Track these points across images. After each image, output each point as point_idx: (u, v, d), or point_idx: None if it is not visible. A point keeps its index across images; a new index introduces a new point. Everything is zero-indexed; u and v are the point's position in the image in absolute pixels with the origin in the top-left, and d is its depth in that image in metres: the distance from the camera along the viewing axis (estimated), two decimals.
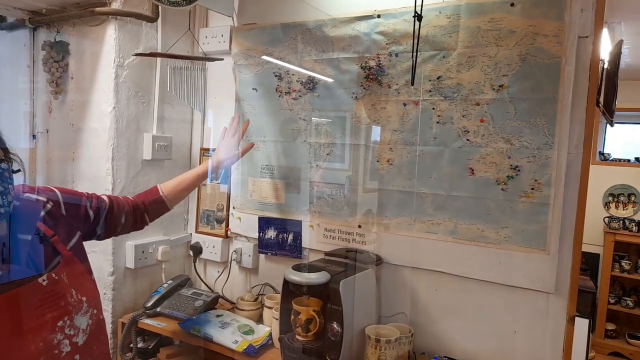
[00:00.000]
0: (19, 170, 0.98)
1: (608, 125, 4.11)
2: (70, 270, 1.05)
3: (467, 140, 1.50)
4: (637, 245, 3.91)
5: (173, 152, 2.02)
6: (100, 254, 1.81)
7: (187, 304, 1.80)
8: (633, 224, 3.85)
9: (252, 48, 1.90)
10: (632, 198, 4.09)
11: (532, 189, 1.41)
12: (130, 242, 1.85)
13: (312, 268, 1.45)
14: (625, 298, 3.90)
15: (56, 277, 1.00)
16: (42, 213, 1.05)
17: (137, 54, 1.81)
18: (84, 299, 1.05)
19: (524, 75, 1.41)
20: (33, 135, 2.06)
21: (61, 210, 1.11)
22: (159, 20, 1.90)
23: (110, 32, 1.80)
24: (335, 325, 1.37)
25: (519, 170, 1.43)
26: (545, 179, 1.39)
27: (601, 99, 1.39)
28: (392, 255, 1.64)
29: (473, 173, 1.49)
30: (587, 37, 1.35)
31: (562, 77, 1.36)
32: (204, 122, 2.11)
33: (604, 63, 1.38)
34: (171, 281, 1.91)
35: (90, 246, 1.80)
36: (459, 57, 1.50)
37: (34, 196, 1.06)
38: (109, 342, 1.78)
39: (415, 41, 1.43)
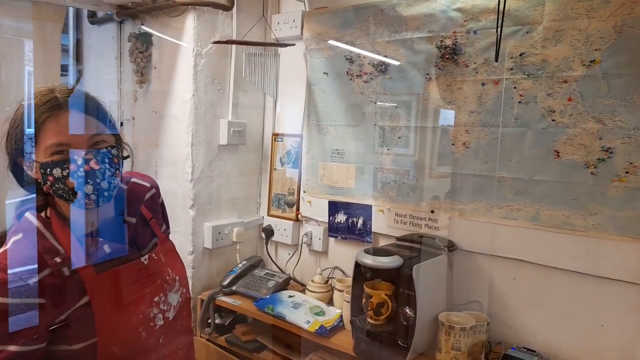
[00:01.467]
0: (128, 157, 1.06)
1: None
2: (165, 251, 1.12)
3: (553, 120, 1.40)
4: None
5: (247, 137, 2.08)
6: (181, 234, 1.92)
7: (261, 284, 1.87)
8: None
9: (324, 32, 1.90)
10: None
11: (627, 172, 1.29)
12: (208, 223, 1.95)
13: (384, 252, 1.44)
14: None
15: (155, 257, 1.07)
16: (146, 197, 1.13)
17: (214, 42, 1.88)
18: (177, 277, 1.12)
19: (620, 49, 1.29)
20: (121, 123, 2.22)
21: (158, 197, 1.19)
22: (234, 9, 1.95)
23: (189, 22, 1.88)
24: (408, 310, 1.36)
25: (611, 153, 1.31)
26: None
27: None
28: (466, 242, 1.59)
29: (558, 156, 1.40)
30: None
31: None
32: (276, 107, 2.15)
33: None
34: (245, 261, 1.98)
35: (172, 227, 1.92)
36: (545, 32, 1.40)
37: (141, 181, 1.15)
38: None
39: (501, 16, 1.35)
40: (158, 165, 2.03)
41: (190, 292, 1.89)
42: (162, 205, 1.23)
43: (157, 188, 1.20)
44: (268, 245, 2.15)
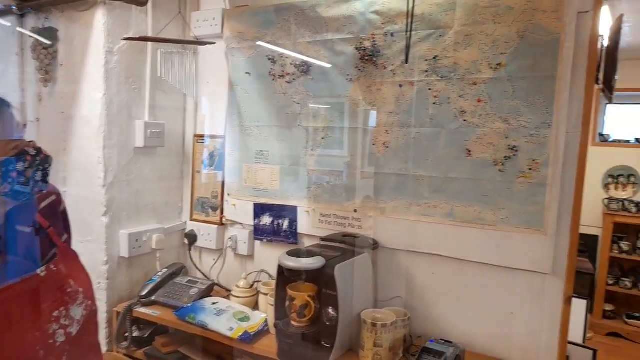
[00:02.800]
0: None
1: (608, 106, 4.08)
2: (67, 262, 1.04)
3: (464, 121, 1.47)
4: (636, 227, 3.90)
5: (166, 139, 1.98)
6: (93, 243, 1.79)
7: (183, 292, 1.79)
8: (632, 205, 3.83)
9: (245, 31, 1.86)
10: (632, 179, 4.07)
11: (530, 169, 1.38)
12: (124, 230, 1.83)
13: (307, 253, 1.43)
14: (623, 279, 3.90)
15: (55, 269, 0.99)
16: (43, 204, 1.04)
17: (126, 39, 1.77)
18: (80, 289, 1.05)
19: (522, 53, 1.37)
20: (24, 125, 2.02)
21: (59, 205, 1.10)
22: (149, 4, 1.85)
23: (99, 17, 1.75)
24: (330, 310, 1.36)
25: (516, 151, 1.40)
26: (543, 159, 1.36)
27: (600, 76, 1.36)
28: (388, 239, 1.62)
29: (470, 154, 1.47)
30: (587, 12, 1.32)
31: (560, 54, 1.33)
32: (197, 108, 2.07)
33: (603, 39, 1.34)
34: (166, 269, 1.89)
35: (83, 235, 1.79)
36: (456, 36, 1.46)
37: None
38: (102, 331, 1.77)
39: (410, 19, 1.39)
40: (67, 170, 1.88)
41: (106, 304, 1.78)
42: (64, 212, 1.14)
43: (59, 195, 1.11)
44: (191, 252, 2.06)
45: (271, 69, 1.82)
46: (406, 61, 1.50)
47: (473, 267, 1.49)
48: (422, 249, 1.56)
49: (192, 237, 2.05)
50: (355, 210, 1.68)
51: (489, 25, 1.41)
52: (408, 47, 1.47)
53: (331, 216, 1.73)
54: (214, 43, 1.92)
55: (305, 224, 1.79)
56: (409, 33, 1.45)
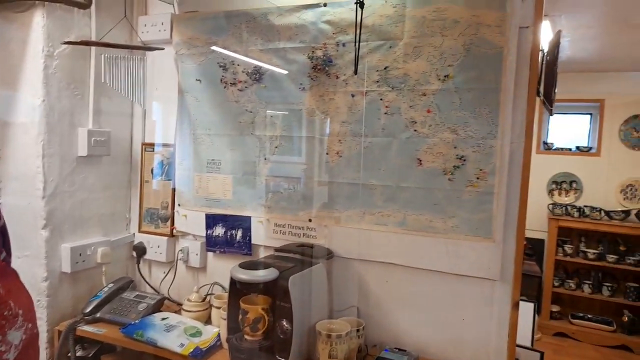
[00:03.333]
0: None
1: (551, 116, 4.29)
2: (5, 282, 0.96)
3: (415, 131, 1.49)
4: (579, 230, 4.12)
5: (112, 147, 1.90)
6: (32, 259, 1.68)
7: (130, 308, 1.71)
8: (575, 209, 4.05)
9: (195, 37, 1.82)
10: (574, 185, 4.30)
11: (478, 178, 1.42)
12: (66, 244, 1.73)
13: (260, 265, 1.40)
14: (568, 281, 4.10)
15: None
16: None
17: (66, 42, 1.68)
18: (20, 311, 0.96)
19: (468, 66, 1.41)
20: None
21: None
22: (92, 7, 1.77)
23: (38, 19, 1.66)
24: (284, 323, 1.33)
25: (464, 160, 1.43)
26: (490, 168, 1.40)
27: (541, 89, 1.42)
28: (343, 249, 1.62)
29: (421, 164, 1.49)
30: (527, 27, 1.37)
31: (504, 67, 1.37)
32: (145, 115, 2.00)
33: (544, 53, 1.40)
34: (112, 284, 1.80)
35: (21, 250, 1.68)
36: (405, 47, 1.49)
37: None
38: (42, 353, 1.66)
39: (358, 30, 1.41)
40: (2, 180, 1.76)
41: (46, 323, 1.68)
42: (3, 228, 1.06)
43: None
44: (140, 265, 1.98)
45: (222, 76, 1.78)
46: (355, 72, 1.51)
47: (425, 275, 1.51)
48: (376, 257, 1.57)
49: (140, 250, 1.97)
50: (310, 220, 1.67)
51: (436, 38, 1.45)
52: (357, 58, 1.48)
53: (286, 226, 1.71)
54: (162, 49, 1.87)
55: (259, 235, 1.76)
56: (357, 44, 1.46)
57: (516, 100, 1.38)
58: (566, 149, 4.41)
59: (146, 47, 1.87)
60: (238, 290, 1.40)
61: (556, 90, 1.42)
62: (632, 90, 4.05)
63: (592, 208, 3.99)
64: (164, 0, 1.86)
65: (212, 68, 1.80)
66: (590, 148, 4.32)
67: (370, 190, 1.56)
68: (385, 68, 1.52)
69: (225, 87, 1.78)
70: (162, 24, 1.89)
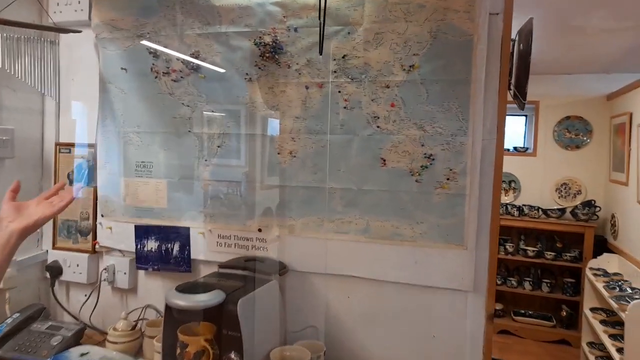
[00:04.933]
0: None
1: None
2: None
3: (378, 127, 1.33)
4: (518, 229, 4.21)
5: (17, 148, 1.58)
6: None
7: (41, 342, 1.41)
8: (514, 209, 4.13)
9: (119, 18, 1.55)
10: (512, 185, 4.40)
11: (448, 179, 1.29)
12: None
13: (201, 287, 1.17)
14: (509, 278, 4.18)
15: None
16: None
17: None
18: None
19: (436, 54, 1.28)
20: None
21: None
22: None
23: None
24: (233, 356, 1.12)
25: (433, 160, 1.30)
26: (461, 168, 1.28)
27: (512, 81, 1.32)
28: (298, 261, 1.43)
29: (385, 164, 1.33)
30: (497, 14, 1.26)
31: (474, 56, 1.25)
32: (59, 110, 1.69)
33: (514, 43, 1.30)
34: (19, 314, 1.48)
35: None
36: (366, 34, 1.33)
37: None
38: None
39: (323, 2, 1.23)
40: None
41: None
42: None
43: None
44: (55, 288, 1.66)
45: (153, 64, 1.53)
46: (320, 52, 1.33)
47: (391, 288, 1.35)
48: (336, 270, 1.39)
49: (55, 270, 1.65)
50: (260, 230, 1.46)
51: (400, 24, 1.30)
52: (322, 36, 1.30)
53: (231, 237, 1.49)
54: (79, 31, 1.57)
55: (200, 248, 1.52)
56: (322, 20, 1.28)
57: (487, 93, 1.26)
58: (505, 150, 4.50)
59: (58, 29, 1.57)
60: (175, 318, 1.16)
61: (529, 82, 1.32)
62: (565, 92, 4.21)
63: (531, 207, 4.09)
64: None
65: (141, 55, 1.54)
66: (527, 148, 4.44)
67: (329, 194, 1.39)
68: (343, 57, 1.35)
69: (156, 77, 1.53)
70: (79, 2, 1.60)
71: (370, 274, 1.36)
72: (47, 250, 1.69)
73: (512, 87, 1.33)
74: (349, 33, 1.34)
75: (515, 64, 1.32)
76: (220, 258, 1.47)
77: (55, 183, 1.67)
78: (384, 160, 1.33)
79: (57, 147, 1.68)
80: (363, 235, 1.36)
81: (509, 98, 1.31)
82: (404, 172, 1.32)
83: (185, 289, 1.15)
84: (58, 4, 1.62)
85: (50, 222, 1.68)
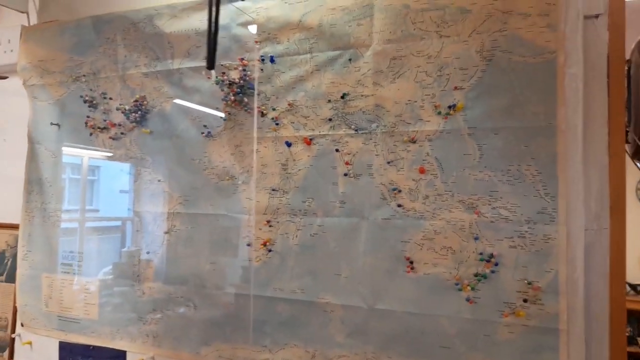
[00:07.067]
0: None
1: None
2: None
3: (399, 206, 0.82)
4: None
5: None
6: None
7: None
8: None
9: (48, 58, 1.16)
10: None
11: (525, 300, 0.73)
12: None
13: None
14: None
15: None
16: None
17: None
18: None
19: (492, 87, 0.77)
20: None
21: None
22: None
23: None
24: None
25: (496, 264, 0.75)
26: (547, 280, 0.72)
27: (631, 125, 0.78)
28: None
29: (413, 267, 0.80)
30: (597, 16, 0.74)
31: (560, 87, 0.73)
32: None
33: (630, 65, 0.78)
34: None
35: None
36: (377, 60, 0.84)
37: None
38: None
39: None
40: None
41: None
42: None
43: None
44: None
45: (88, 117, 1.11)
46: (210, 66, 0.86)
47: None
48: None
49: None
50: None
51: (430, 41, 0.81)
52: (212, 41, 0.84)
53: None
54: (5, 77, 1.20)
55: None
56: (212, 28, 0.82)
57: (588, 148, 0.73)
58: None
59: None
60: None
61: None
62: None
63: None
64: (13, 7, 1.22)
65: (75, 105, 1.13)
66: None
67: (324, 313, 0.86)
68: (342, 97, 0.86)
69: (92, 134, 1.11)
70: (10, 41, 1.24)
71: None
72: None
73: (630, 134, 0.78)
74: (350, 60, 0.86)
75: (633, 98, 0.78)
76: None
77: None
78: (411, 262, 0.80)
79: None
80: None
81: (628, 152, 0.76)
82: (444, 283, 0.78)
83: None
84: None
85: None
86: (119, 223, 1.07)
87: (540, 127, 0.74)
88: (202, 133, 0.98)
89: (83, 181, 1.14)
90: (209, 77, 0.96)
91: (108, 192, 1.10)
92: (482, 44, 0.78)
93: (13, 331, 1.19)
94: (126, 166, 1.07)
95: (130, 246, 1.05)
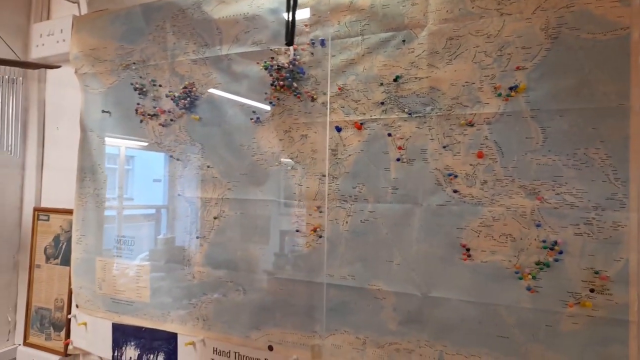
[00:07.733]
0: None
1: None
2: None
3: (455, 192, 0.79)
4: None
5: None
6: None
7: None
8: None
9: (100, 47, 1.18)
10: None
11: (592, 290, 0.70)
12: None
13: None
14: None
15: None
16: None
17: None
18: None
19: (558, 67, 0.73)
20: None
21: None
22: None
23: None
24: None
25: (560, 251, 0.72)
26: (617, 269, 0.69)
27: None
28: None
29: (470, 255, 0.78)
30: None
31: (634, 65, 0.69)
32: (43, 167, 1.35)
33: None
34: None
35: None
36: (432, 41, 0.81)
37: None
38: None
39: None
40: None
41: None
42: None
43: None
44: None
45: (139, 104, 1.13)
46: (289, 42, 0.85)
47: None
48: None
49: None
50: (271, 348, 0.95)
51: (490, 19, 0.77)
52: (290, 26, 0.82)
53: (231, 355, 1.00)
54: (58, 66, 1.24)
55: None
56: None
57: None
58: None
59: (30, 64, 1.24)
60: None
61: None
62: None
63: None
64: None
65: (126, 92, 1.15)
66: None
67: (375, 299, 0.85)
68: (395, 79, 0.84)
69: (142, 120, 1.13)
70: (62, 31, 1.27)
71: None
72: (18, 346, 1.32)
73: None
74: (404, 41, 0.84)
75: None
76: None
77: (31, 258, 1.31)
78: (468, 250, 0.78)
79: (36, 213, 1.33)
80: None
81: None
82: (503, 271, 0.75)
83: None
84: (41, 35, 1.30)
85: (24, 310, 1.31)
86: (172, 206, 1.09)
87: (610, 108, 0.70)
88: (251, 119, 0.98)
89: (126, 168, 1.17)
90: (286, 52, 0.94)
91: (156, 179, 1.12)
92: (547, 21, 0.74)
93: (69, 312, 1.23)
94: (175, 153, 1.08)
95: (184, 232, 1.06)
